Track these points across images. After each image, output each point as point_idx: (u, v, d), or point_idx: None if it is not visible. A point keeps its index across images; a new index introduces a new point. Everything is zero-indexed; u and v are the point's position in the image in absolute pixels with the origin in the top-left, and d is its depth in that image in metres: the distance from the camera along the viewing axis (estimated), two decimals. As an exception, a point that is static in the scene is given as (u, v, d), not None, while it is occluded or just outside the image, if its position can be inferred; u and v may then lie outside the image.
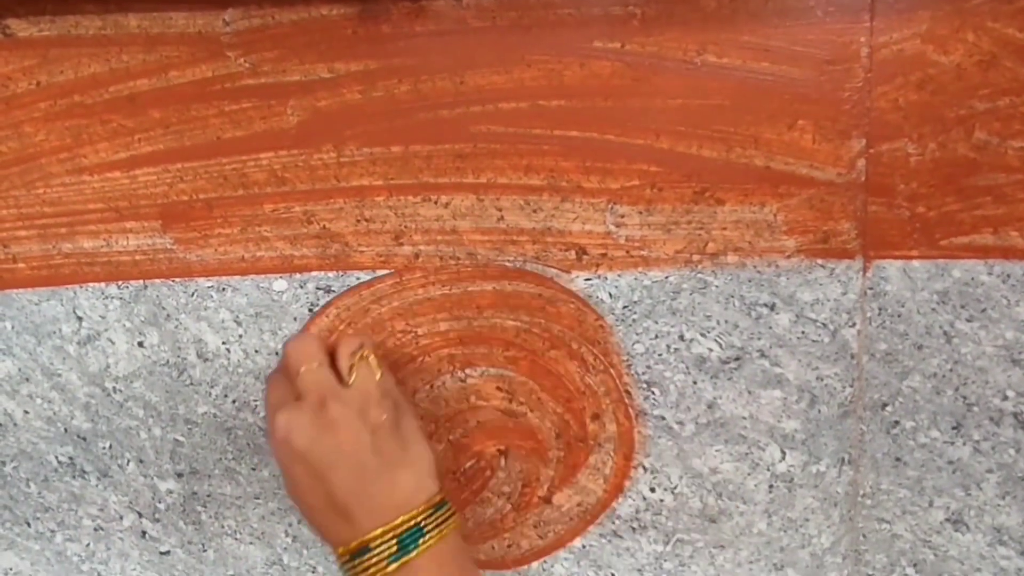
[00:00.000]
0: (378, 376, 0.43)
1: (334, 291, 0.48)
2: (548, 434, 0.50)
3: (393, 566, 0.39)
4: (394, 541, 0.39)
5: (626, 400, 0.49)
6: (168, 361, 0.50)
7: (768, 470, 0.49)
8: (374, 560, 0.39)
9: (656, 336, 0.48)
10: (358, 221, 0.48)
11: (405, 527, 0.39)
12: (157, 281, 0.49)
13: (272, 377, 0.44)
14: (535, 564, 0.52)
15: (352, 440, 0.40)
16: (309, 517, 0.41)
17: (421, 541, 0.39)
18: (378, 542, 0.39)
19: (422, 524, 0.40)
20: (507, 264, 0.47)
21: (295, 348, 0.43)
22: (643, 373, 0.48)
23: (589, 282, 0.48)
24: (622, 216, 0.47)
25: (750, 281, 0.47)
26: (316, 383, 0.41)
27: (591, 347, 0.48)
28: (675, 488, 0.50)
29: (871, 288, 0.47)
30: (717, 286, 0.47)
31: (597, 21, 0.45)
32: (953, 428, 0.48)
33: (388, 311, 0.48)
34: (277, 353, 0.49)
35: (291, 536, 0.52)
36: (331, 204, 0.48)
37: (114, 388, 0.50)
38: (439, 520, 0.40)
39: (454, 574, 0.40)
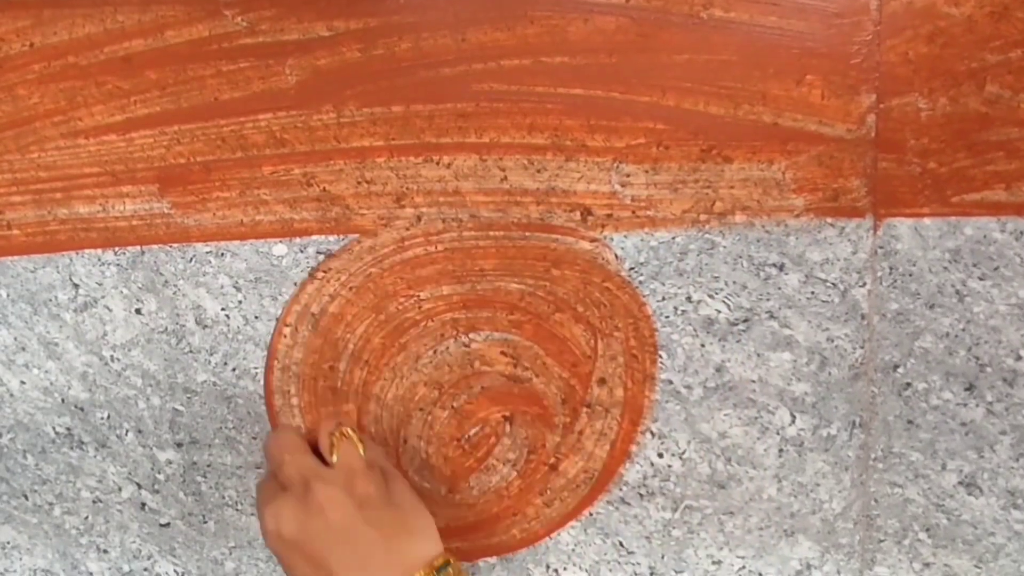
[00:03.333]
0: (361, 450, 0.43)
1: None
2: (554, 399, 0.49)
3: None
4: None
5: (633, 364, 0.48)
6: (166, 328, 0.49)
7: (778, 434, 0.48)
8: None
9: (663, 298, 0.47)
10: (359, 183, 0.47)
11: None
12: (155, 247, 0.48)
13: (261, 481, 0.44)
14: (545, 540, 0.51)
15: (342, 516, 0.40)
16: None
17: None
18: None
19: None
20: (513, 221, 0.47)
21: (273, 443, 0.43)
22: (650, 336, 0.47)
23: (594, 243, 0.47)
24: (628, 175, 0.46)
25: (758, 241, 0.46)
26: (297, 470, 0.42)
27: (597, 310, 0.47)
28: (683, 453, 0.49)
29: (882, 247, 0.46)
30: (725, 246, 0.46)
31: (601, -25, 0.44)
32: (966, 389, 0.47)
33: (389, 275, 0.48)
34: (277, 319, 0.48)
35: (293, 506, 0.51)
36: (331, 166, 0.47)
37: (112, 357, 0.49)
38: None
39: None
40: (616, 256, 0.47)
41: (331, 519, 0.40)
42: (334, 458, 0.43)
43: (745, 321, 0.47)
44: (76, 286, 0.49)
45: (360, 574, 0.39)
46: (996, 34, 0.43)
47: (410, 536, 0.41)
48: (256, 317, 0.48)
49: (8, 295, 0.49)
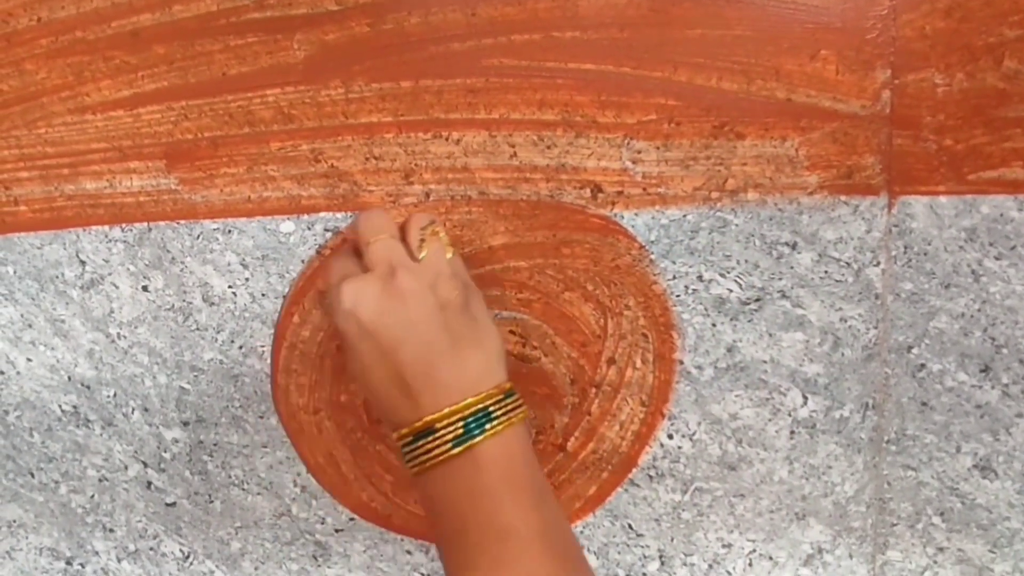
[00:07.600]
0: (449, 255, 0.41)
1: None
2: (562, 380, 0.48)
3: (457, 449, 0.37)
4: (460, 423, 0.37)
5: (643, 344, 0.47)
6: (173, 306, 0.49)
7: (789, 415, 0.48)
8: (437, 442, 0.37)
9: (674, 277, 0.47)
10: (367, 159, 0.46)
11: (472, 410, 0.37)
12: (162, 223, 0.48)
13: (336, 252, 0.42)
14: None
15: (423, 313, 0.38)
16: (371, 396, 0.40)
17: (488, 426, 0.37)
18: (443, 423, 0.37)
19: (490, 409, 0.38)
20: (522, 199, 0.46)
21: (365, 221, 0.41)
22: (661, 315, 0.47)
23: (605, 221, 0.46)
24: (639, 152, 0.45)
25: (771, 219, 0.46)
26: (386, 254, 0.40)
27: (607, 288, 0.47)
28: (693, 435, 0.48)
29: (896, 225, 0.45)
30: (737, 224, 0.46)
31: (613, -51, 0.43)
32: (981, 371, 0.46)
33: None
34: (284, 296, 0.48)
35: (300, 486, 0.50)
36: (339, 142, 0.46)
37: (118, 334, 0.49)
38: (508, 408, 0.38)
39: (519, 466, 0.38)
40: (627, 234, 0.46)
41: (411, 312, 0.38)
42: (422, 255, 0.40)
43: (757, 300, 0.46)
44: (83, 263, 0.48)
45: (425, 378, 0.38)
46: (1015, 8, 0.43)
47: (482, 353, 0.39)
48: (263, 295, 0.48)
49: (15, 272, 0.49)
